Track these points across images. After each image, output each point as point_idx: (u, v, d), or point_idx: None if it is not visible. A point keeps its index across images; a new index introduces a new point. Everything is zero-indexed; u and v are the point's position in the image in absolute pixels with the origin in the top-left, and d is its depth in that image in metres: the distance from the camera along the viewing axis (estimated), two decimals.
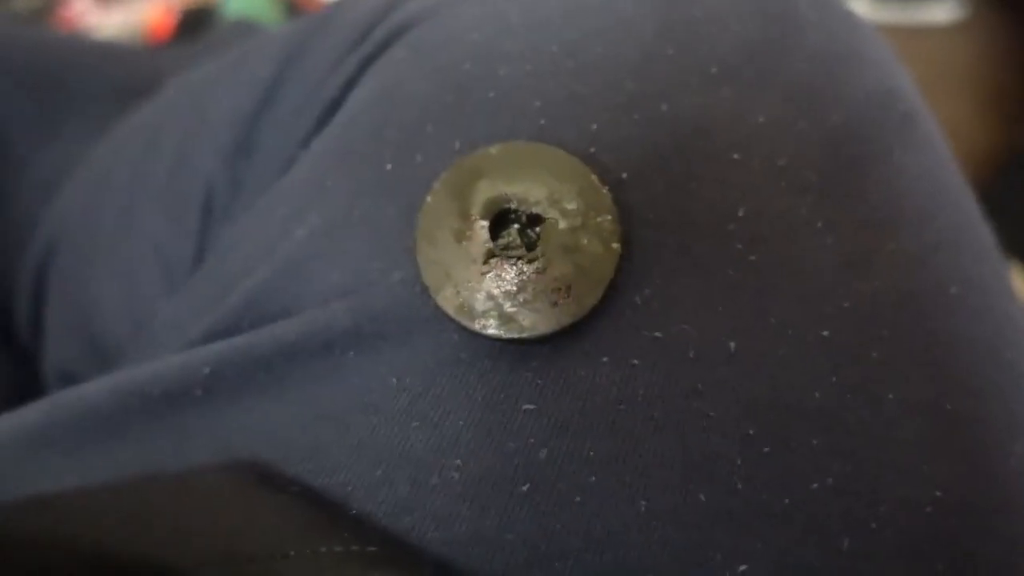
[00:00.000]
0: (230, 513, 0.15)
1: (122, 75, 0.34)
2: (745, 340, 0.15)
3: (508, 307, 0.14)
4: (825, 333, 0.15)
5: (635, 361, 0.15)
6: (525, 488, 0.14)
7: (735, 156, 0.16)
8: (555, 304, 0.14)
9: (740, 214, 0.15)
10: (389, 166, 0.17)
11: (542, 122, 0.16)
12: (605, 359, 0.15)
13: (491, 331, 0.14)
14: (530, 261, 0.14)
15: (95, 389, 0.18)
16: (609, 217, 0.15)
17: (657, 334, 0.15)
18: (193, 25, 0.61)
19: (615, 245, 0.15)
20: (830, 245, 0.15)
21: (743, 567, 0.14)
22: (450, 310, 0.15)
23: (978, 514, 0.15)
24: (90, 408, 0.17)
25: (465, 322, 0.14)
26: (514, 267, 0.15)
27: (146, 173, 0.25)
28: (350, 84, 0.19)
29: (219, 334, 0.17)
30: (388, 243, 0.16)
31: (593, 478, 0.14)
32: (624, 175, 0.16)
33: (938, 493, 0.14)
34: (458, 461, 0.15)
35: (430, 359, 0.15)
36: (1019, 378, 0.16)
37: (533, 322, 0.14)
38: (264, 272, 0.17)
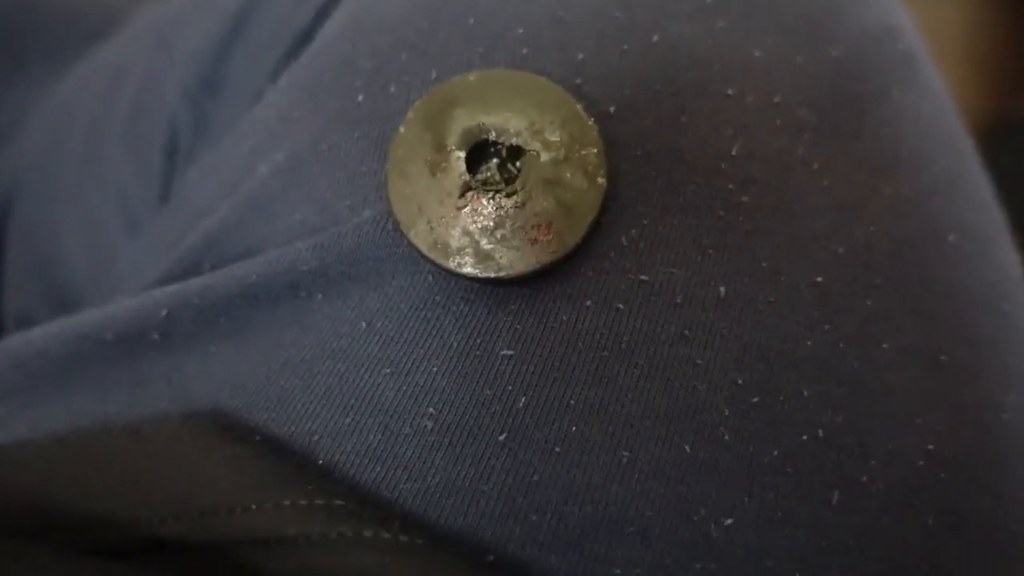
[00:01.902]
0: (189, 464, 0.15)
1: (93, 18, 0.32)
2: (735, 285, 0.14)
3: (485, 244, 0.13)
4: (818, 279, 0.14)
5: (620, 305, 0.14)
6: (502, 437, 0.14)
7: (729, 91, 0.15)
8: (535, 241, 0.13)
9: (733, 152, 0.15)
10: (360, 97, 0.16)
11: (524, 50, 0.15)
12: (588, 303, 0.14)
13: (467, 269, 0.13)
14: (509, 195, 0.14)
15: (44, 333, 0.17)
16: (595, 150, 0.14)
17: (643, 277, 0.14)
18: None
19: (600, 180, 0.14)
20: (825, 187, 0.15)
21: (729, 521, 0.13)
22: (423, 247, 0.14)
23: (970, 467, 0.14)
24: (38, 353, 0.16)
25: (439, 260, 0.14)
26: (492, 201, 0.14)
27: (108, 114, 0.24)
28: (321, 14, 0.18)
29: (178, 276, 0.17)
30: (358, 179, 0.15)
31: (574, 428, 0.14)
32: (611, 108, 0.15)
33: (930, 446, 0.14)
34: (431, 409, 0.14)
35: (403, 302, 0.14)
36: (1014, 329, 0.16)
37: (511, 260, 0.13)
38: (225, 210, 0.16)
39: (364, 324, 0.15)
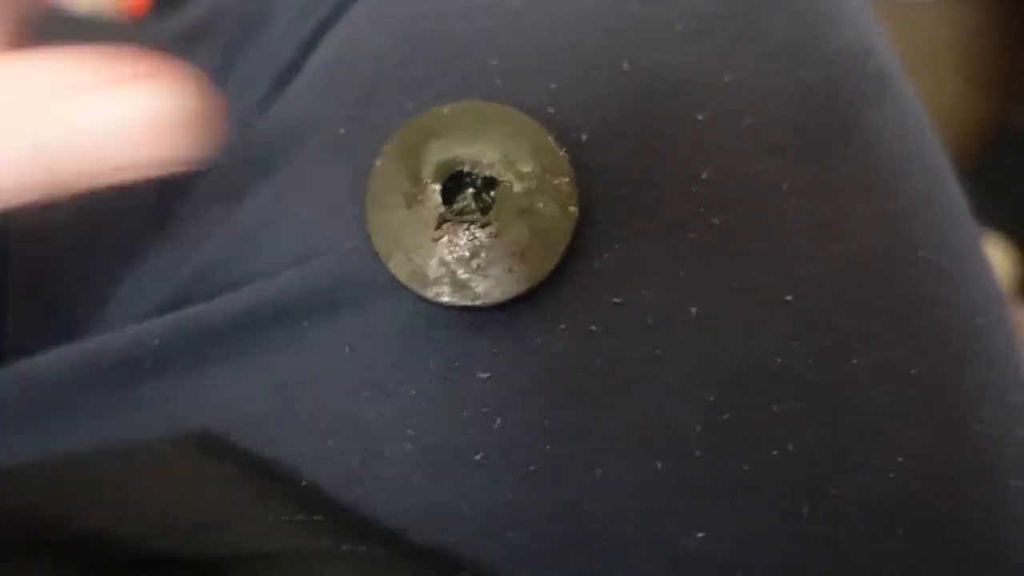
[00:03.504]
0: (178, 484, 0.15)
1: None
2: (707, 304, 0.14)
3: (461, 274, 0.14)
4: (790, 297, 0.15)
5: (593, 327, 0.14)
6: (478, 457, 0.14)
7: (700, 116, 0.15)
8: (510, 270, 0.14)
9: (704, 175, 0.15)
10: (342, 130, 0.16)
11: (498, 81, 0.15)
12: (563, 326, 0.14)
13: (444, 299, 0.14)
14: (483, 226, 0.14)
15: (44, 361, 0.17)
16: (566, 179, 0.14)
17: (616, 299, 0.14)
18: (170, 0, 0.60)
19: (572, 208, 0.14)
20: (798, 207, 0.15)
21: (700, 535, 0.13)
22: (402, 277, 0.14)
23: (944, 480, 0.14)
24: (38, 379, 0.17)
25: (418, 289, 0.14)
26: (467, 232, 0.14)
27: None
28: (307, 47, 0.19)
29: (170, 307, 0.17)
30: (340, 210, 0.16)
31: (548, 447, 0.14)
32: (584, 136, 0.15)
33: (902, 459, 0.14)
34: (411, 431, 0.14)
35: (385, 328, 0.15)
36: (990, 343, 0.16)
37: (487, 289, 0.14)
38: (214, 242, 0.17)
39: (347, 349, 0.15)
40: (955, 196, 0.18)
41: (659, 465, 0.14)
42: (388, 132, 0.15)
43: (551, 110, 0.15)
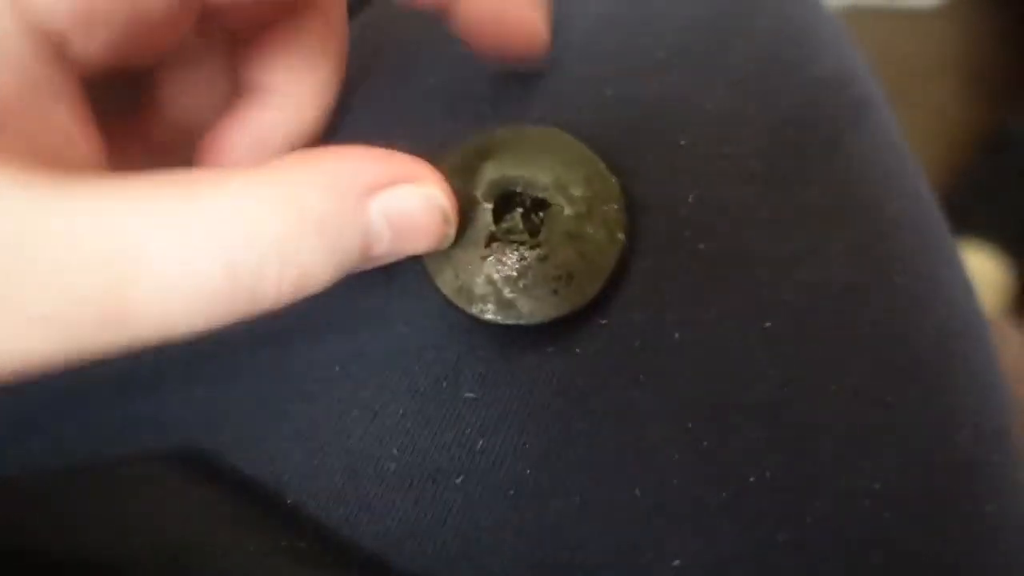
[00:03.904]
0: (162, 505, 0.15)
1: None
2: (689, 331, 0.14)
3: (507, 292, 0.14)
4: (767, 325, 0.15)
5: (578, 350, 0.14)
6: (459, 480, 0.14)
7: (682, 141, 0.15)
8: (555, 292, 0.14)
9: (690, 200, 0.15)
10: None
11: (481, 108, 0.16)
12: (551, 348, 0.14)
13: (488, 316, 0.14)
14: (533, 247, 0.14)
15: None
16: (615, 206, 0.14)
17: (602, 321, 0.14)
18: None
19: (620, 235, 0.14)
20: (774, 236, 0.15)
21: (676, 562, 0.14)
22: (448, 292, 0.14)
23: (917, 508, 0.14)
24: (34, 390, 0.17)
25: (463, 305, 0.14)
26: (516, 252, 0.14)
27: None
28: None
29: None
30: None
31: (528, 471, 0.14)
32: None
33: (876, 486, 0.14)
34: (395, 451, 0.14)
35: (376, 349, 0.15)
36: (962, 369, 0.16)
37: (532, 309, 0.14)
38: None
39: (338, 368, 0.15)
40: (933, 221, 0.18)
41: (637, 492, 0.14)
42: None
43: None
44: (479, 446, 0.14)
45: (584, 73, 0.16)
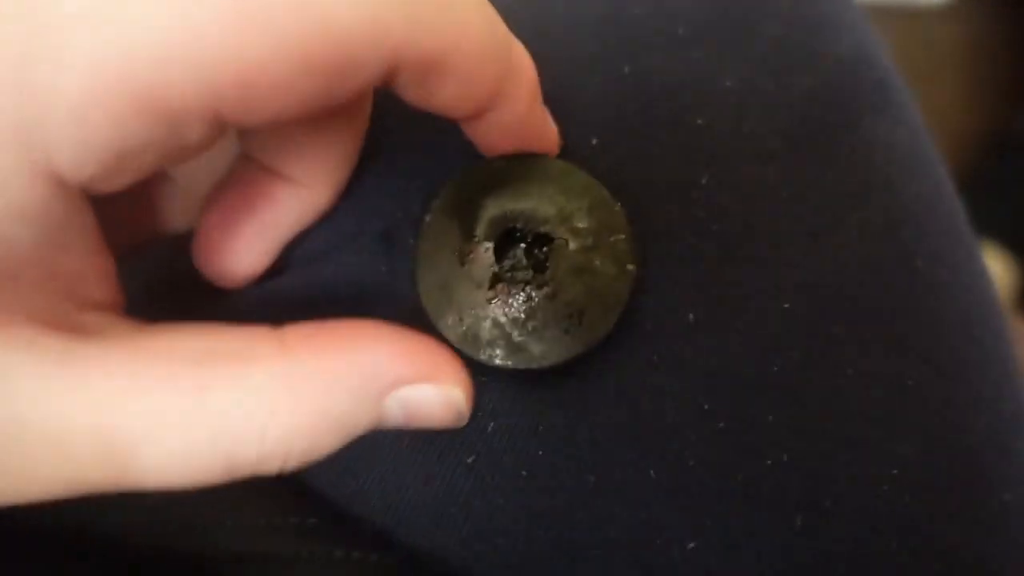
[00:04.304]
0: None
1: None
2: (704, 312, 0.14)
3: (516, 336, 0.13)
4: (786, 305, 0.14)
5: None
6: (471, 460, 0.14)
7: (699, 121, 0.15)
8: (566, 331, 0.13)
9: (703, 182, 0.15)
10: None
11: None
12: None
13: (498, 361, 0.13)
14: (540, 286, 0.13)
15: None
16: (623, 236, 0.14)
17: None
18: None
19: (630, 267, 0.13)
20: (794, 214, 0.15)
21: (692, 544, 0.13)
22: (453, 339, 0.13)
23: (937, 493, 0.14)
24: None
25: (469, 352, 0.13)
26: (522, 292, 0.13)
27: None
28: None
29: None
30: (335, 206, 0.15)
31: (540, 452, 0.14)
32: (594, 140, 0.15)
33: (895, 471, 0.14)
34: (405, 432, 0.14)
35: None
36: (983, 354, 0.16)
37: (543, 351, 0.13)
38: None
39: None
40: (953, 208, 0.17)
41: (652, 473, 0.14)
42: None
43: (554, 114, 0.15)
44: (491, 428, 0.14)
45: (601, 49, 0.16)
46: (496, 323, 0.13)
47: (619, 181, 0.15)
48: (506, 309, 0.13)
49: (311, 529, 0.14)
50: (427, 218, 0.14)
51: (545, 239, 0.14)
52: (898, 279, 0.15)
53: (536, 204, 0.14)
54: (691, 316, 0.14)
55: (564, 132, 0.15)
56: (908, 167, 0.17)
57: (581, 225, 0.14)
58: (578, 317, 0.13)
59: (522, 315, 0.13)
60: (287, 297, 0.15)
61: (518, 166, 0.14)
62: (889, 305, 0.15)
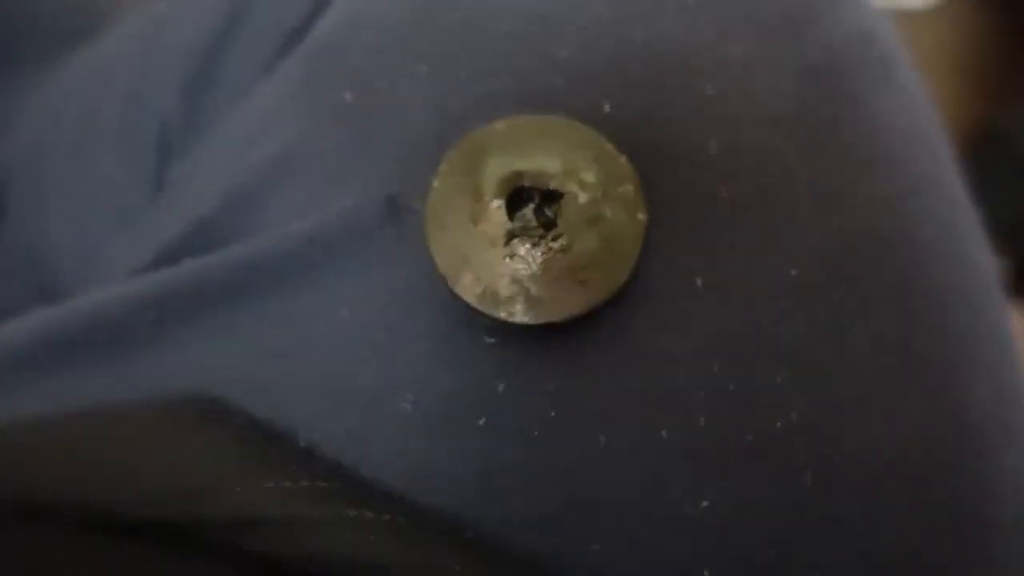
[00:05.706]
0: (170, 448, 0.15)
1: (84, 16, 0.33)
2: (712, 276, 0.14)
3: (535, 291, 0.13)
4: (793, 271, 0.15)
5: None
6: (481, 422, 0.14)
7: (709, 87, 0.15)
8: (584, 282, 0.13)
9: (712, 149, 0.15)
10: (348, 95, 0.16)
11: (506, 46, 0.15)
12: None
13: (518, 318, 0.13)
14: (554, 238, 0.13)
15: (30, 321, 0.17)
16: (630, 186, 0.14)
17: None
18: None
19: (640, 216, 0.14)
20: (802, 180, 0.15)
21: (705, 503, 0.13)
22: (471, 299, 0.13)
23: (942, 454, 0.15)
24: (24, 340, 0.16)
25: (489, 311, 0.13)
26: (538, 247, 0.13)
27: (100, 109, 0.24)
28: (315, 11, 0.18)
29: (166, 263, 0.17)
30: (342, 172, 0.15)
31: (552, 412, 0.14)
32: (607, 107, 0.15)
33: (903, 432, 0.14)
34: (410, 395, 0.14)
35: (386, 290, 0.15)
36: (983, 323, 0.16)
37: (563, 304, 0.13)
38: (215, 200, 0.17)
39: (346, 312, 0.15)
40: (955, 181, 0.18)
41: (663, 434, 0.14)
42: (401, 96, 0.14)
43: (559, 80, 0.15)
44: (501, 388, 0.14)
45: (612, 16, 0.16)
46: (514, 279, 0.13)
47: (630, 147, 0.15)
48: (523, 265, 0.13)
49: (321, 492, 0.14)
50: (435, 182, 0.14)
51: (554, 195, 0.14)
52: (903, 248, 0.16)
53: (542, 160, 0.14)
54: (699, 280, 0.14)
55: (576, 98, 0.15)
56: (912, 142, 0.17)
57: (588, 179, 0.14)
58: (593, 268, 0.13)
59: (539, 270, 0.13)
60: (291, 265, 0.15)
61: (521, 126, 0.14)
62: (894, 273, 0.15)
